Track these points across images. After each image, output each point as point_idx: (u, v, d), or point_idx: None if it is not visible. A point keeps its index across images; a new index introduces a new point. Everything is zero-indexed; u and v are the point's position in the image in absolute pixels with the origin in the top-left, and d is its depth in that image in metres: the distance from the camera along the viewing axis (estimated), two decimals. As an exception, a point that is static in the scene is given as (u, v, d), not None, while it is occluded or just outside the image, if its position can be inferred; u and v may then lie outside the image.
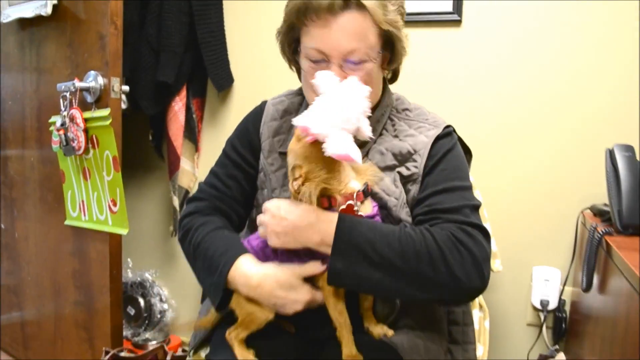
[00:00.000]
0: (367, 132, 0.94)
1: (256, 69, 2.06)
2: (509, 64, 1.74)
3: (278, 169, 1.14)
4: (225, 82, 1.99)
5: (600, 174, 1.61)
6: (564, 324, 1.72)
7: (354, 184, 0.96)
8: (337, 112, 0.89)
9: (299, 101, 1.21)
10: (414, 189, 1.04)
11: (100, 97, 1.57)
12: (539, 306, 1.74)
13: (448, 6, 1.75)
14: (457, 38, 1.79)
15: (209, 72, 1.95)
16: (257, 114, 1.23)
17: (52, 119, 1.68)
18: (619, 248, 1.15)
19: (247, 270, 1.00)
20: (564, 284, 1.71)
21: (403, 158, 1.06)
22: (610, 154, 1.37)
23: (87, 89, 1.56)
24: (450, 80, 1.81)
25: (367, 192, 0.98)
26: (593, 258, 1.28)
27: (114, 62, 1.56)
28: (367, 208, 0.98)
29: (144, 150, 2.23)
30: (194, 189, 2.14)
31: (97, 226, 1.64)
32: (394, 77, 1.20)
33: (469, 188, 1.05)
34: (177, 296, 2.24)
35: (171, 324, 2.21)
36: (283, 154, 1.14)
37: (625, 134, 1.62)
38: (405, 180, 1.05)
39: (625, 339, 1.01)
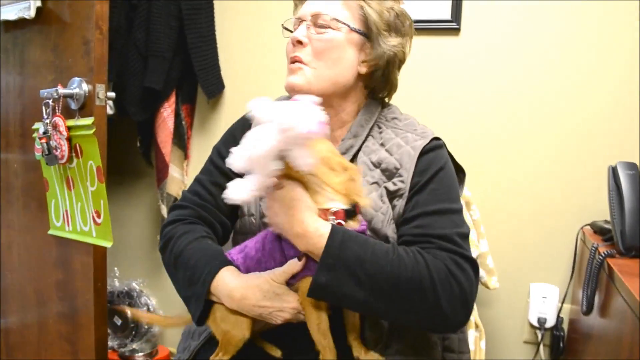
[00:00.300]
0: (302, 164, 0.84)
1: (248, 75, 2.00)
2: (508, 72, 1.70)
3: None
4: (215, 88, 1.94)
5: (601, 190, 1.57)
6: (561, 343, 1.67)
7: (334, 204, 0.91)
8: (250, 148, 0.81)
9: None
10: (400, 204, 1.01)
11: (85, 104, 1.50)
12: (536, 324, 1.69)
13: (446, 14, 1.71)
14: (456, 46, 1.74)
15: (199, 78, 1.89)
16: (245, 121, 1.19)
17: (36, 125, 1.62)
18: (621, 272, 1.10)
19: (230, 283, 0.96)
20: (563, 302, 1.66)
21: (390, 174, 1.03)
22: (613, 172, 1.32)
23: (71, 96, 1.50)
24: (448, 89, 1.76)
25: (353, 211, 0.93)
26: (594, 281, 1.23)
27: (99, 69, 1.49)
28: (353, 226, 0.93)
29: (131, 155, 2.17)
30: (183, 197, 2.09)
31: (80, 237, 1.58)
32: (390, 92, 1.17)
33: (459, 211, 1.02)
34: (165, 306, 2.18)
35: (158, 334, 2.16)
36: None
37: (627, 148, 1.58)
38: (392, 196, 1.02)
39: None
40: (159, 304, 2.17)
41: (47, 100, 1.51)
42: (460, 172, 1.15)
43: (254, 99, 0.82)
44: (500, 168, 1.72)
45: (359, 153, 1.07)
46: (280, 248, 0.96)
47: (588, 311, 1.25)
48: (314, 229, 0.88)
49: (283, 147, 0.80)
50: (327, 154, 0.91)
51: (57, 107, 1.51)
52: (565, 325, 1.69)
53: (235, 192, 0.84)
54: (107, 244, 1.50)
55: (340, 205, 0.91)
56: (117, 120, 1.92)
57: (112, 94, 1.54)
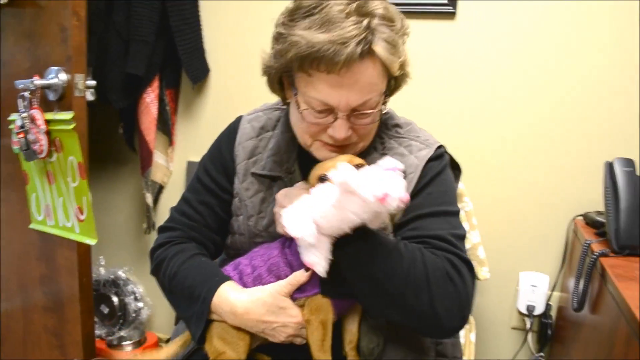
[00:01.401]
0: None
1: (233, 59, 1.93)
2: (506, 60, 1.65)
3: (254, 194, 1.06)
4: (200, 73, 1.86)
5: (594, 180, 1.56)
6: (549, 330, 1.68)
7: None
8: (325, 214, 0.80)
9: (277, 117, 1.12)
10: (399, 213, 0.98)
11: (64, 95, 1.43)
12: (524, 311, 1.70)
13: (442, -4, 1.64)
14: (451, 31, 1.68)
15: (183, 63, 1.82)
16: (230, 132, 1.13)
17: (12, 116, 1.54)
18: (615, 276, 1.09)
19: (232, 298, 0.94)
20: (552, 290, 1.67)
21: None
22: (610, 168, 1.30)
23: (49, 87, 1.43)
24: (442, 76, 1.71)
25: None
26: (587, 280, 1.23)
27: (77, 57, 1.41)
28: None
29: (114, 141, 2.11)
30: (168, 184, 2.04)
31: (63, 233, 1.53)
32: None
33: (455, 214, 1.00)
34: (153, 293, 2.15)
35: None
36: (257, 176, 1.06)
37: (624, 139, 1.56)
38: None
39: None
40: (147, 291, 2.15)
41: (24, 93, 1.43)
42: (456, 168, 1.13)
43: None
44: (492, 157, 1.70)
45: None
46: (287, 262, 0.94)
47: (579, 308, 1.25)
48: None
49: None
50: None
51: (34, 100, 1.44)
52: (553, 313, 1.70)
53: (319, 265, 0.84)
54: (92, 241, 1.46)
55: None
56: (99, 106, 1.84)
57: (92, 83, 1.47)
